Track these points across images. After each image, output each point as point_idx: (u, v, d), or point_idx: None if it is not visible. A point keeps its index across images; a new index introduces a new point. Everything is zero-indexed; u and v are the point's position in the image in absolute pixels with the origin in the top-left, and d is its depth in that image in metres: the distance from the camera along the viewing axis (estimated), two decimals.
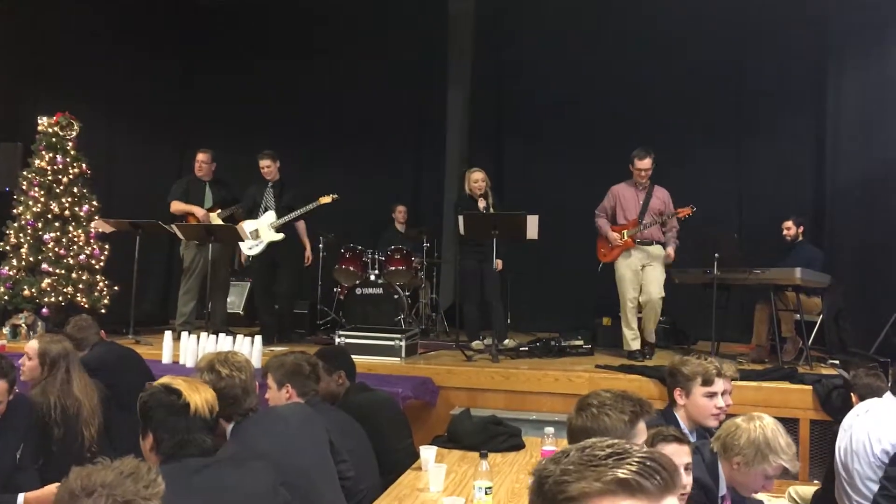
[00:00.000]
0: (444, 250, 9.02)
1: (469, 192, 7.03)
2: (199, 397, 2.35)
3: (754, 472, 2.59)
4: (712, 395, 3.18)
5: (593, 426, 2.24)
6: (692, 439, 3.15)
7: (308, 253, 7.48)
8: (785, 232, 6.92)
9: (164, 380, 2.39)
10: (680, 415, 3.24)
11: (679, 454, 2.30)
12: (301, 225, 7.34)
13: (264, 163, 7.20)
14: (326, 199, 7.09)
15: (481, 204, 6.92)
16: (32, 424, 3.57)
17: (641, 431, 2.30)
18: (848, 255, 7.63)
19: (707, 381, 3.19)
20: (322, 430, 2.93)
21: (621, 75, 8.64)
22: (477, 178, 6.99)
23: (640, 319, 6.82)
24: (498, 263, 6.92)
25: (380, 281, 7.78)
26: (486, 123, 9.49)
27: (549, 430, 3.37)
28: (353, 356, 5.31)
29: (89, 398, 3.80)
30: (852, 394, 4.05)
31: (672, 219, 6.64)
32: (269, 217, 7.13)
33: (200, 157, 7.56)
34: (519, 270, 8.17)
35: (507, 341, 6.80)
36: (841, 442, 3.45)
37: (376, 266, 7.98)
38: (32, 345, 3.87)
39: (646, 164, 6.67)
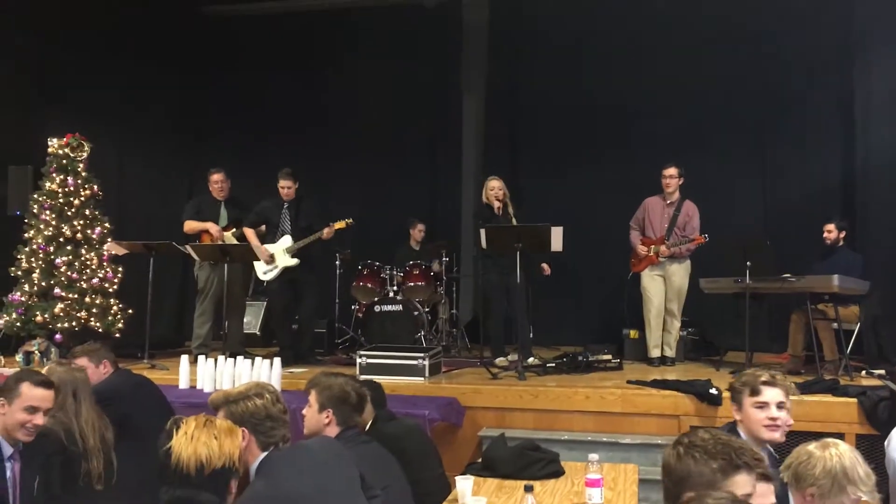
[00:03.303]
0: (463, 264, 8.80)
1: (487, 201, 6.90)
2: (191, 448, 2.11)
3: None
4: (762, 405, 3.03)
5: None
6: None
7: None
8: (826, 235, 6.61)
9: (183, 423, 2.19)
10: (742, 430, 3.10)
11: (766, 494, 2.08)
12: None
13: (285, 182, 6.99)
14: (340, 225, 6.93)
15: (496, 205, 6.78)
16: (47, 459, 3.43)
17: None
18: (881, 257, 7.36)
19: (754, 392, 3.05)
20: (352, 467, 2.73)
21: (639, 83, 8.44)
22: (494, 186, 6.87)
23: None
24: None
25: (399, 297, 7.60)
26: (501, 134, 9.30)
27: (594, 456, 3.16)
28: (375, 377, 5.18)
29: (96, 434, 3.65)
30: None
31: (687, 243, 6.78)
32: (286, 242, 6.95)
33: (215, 177, 7.43)
34: (540, 282, 7.96)
35: (531, 359, 6.57)
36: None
37: (394, 282, 7.80)
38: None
39: (670, 171, 6.94)
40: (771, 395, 3.03)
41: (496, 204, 6.81)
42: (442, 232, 9.08)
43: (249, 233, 7.05)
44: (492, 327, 6.90)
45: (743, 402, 3.08)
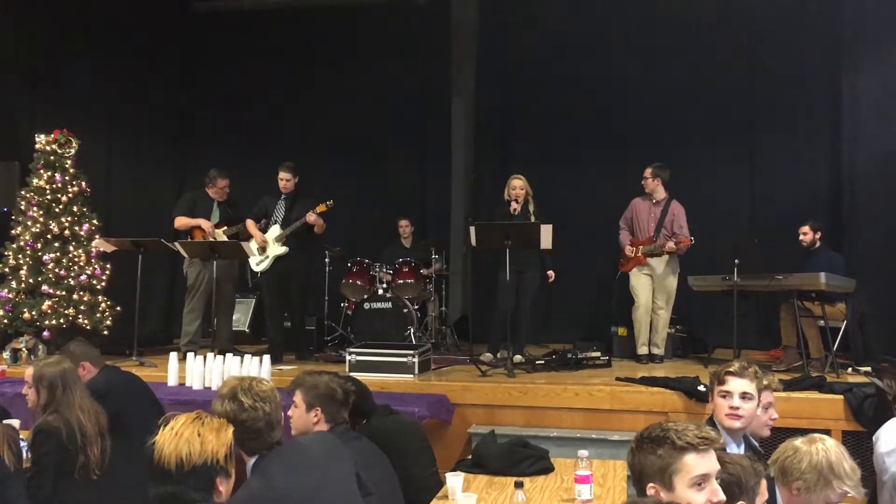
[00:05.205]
0: (453, 262, 8.81)
1: (508, 198, 6.92)
2: (173, 444, 2.07)
3: (816, 498, 2.40)
4: (725, 394, 3.10)
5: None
6: (737, 450, 3.00)
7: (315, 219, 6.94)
8: (801, 237, 6.70)
9: (173, 419, 2.17)
10: (716, 420, 3.14)
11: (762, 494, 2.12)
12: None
13: (285, 175, 7.00)
14: (322, 208, 6.89)
15: (512, 207, 6.78)
16: (41, 456, 3.43)
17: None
18: (869, 255, 7.42)
19: (720, 381, 3.14)
20: (349, 464, 2.73)
21: (629, 81, 8.46)
22: (515, 185, 6.91)
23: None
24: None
25: (388, 295, 7.60)
26: (491, 133, 9.29)
27: (584, 452, 3.17)
28: (364, 374, 5.19)
29: (92, 420, 3.66)
30: None
31: (676, 245, 6.73)
32: (275, 231, 6.97)
33: (222, 182, 7.38)
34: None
35: (516, 357, 6.56)
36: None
37: (384, 280, 7.79)
38: (28, 371, 3.76)
39: (646, 172, 7.03)
40: (734, 385, 3.09)
41: (513, 204, 6.82)
42: (431, 230, 9.09)
43: (250, 223, 7.07)
44: (498, 324, 6.84)
45: (714, 391, 3.16)
